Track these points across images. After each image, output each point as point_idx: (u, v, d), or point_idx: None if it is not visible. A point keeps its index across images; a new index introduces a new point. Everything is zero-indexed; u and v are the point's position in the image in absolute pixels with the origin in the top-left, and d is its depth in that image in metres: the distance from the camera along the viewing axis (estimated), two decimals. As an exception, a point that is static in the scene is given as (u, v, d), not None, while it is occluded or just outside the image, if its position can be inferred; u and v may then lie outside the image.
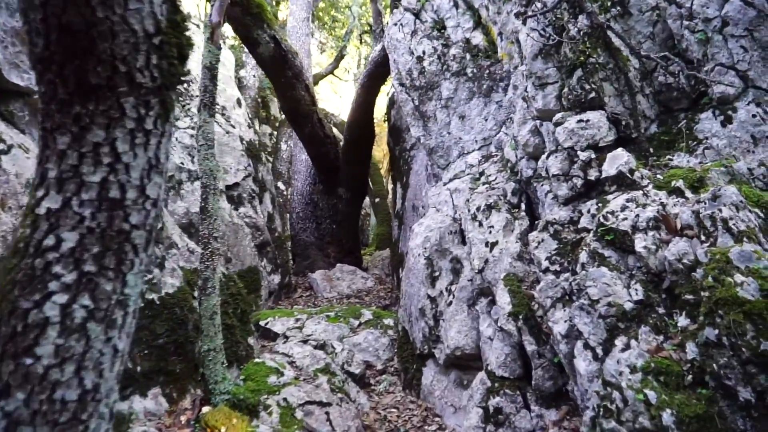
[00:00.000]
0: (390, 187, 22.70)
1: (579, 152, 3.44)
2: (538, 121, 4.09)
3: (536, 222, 4.17)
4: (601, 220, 2.87)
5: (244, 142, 8.12)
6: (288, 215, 10.32)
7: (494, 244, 4.05)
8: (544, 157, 3.77)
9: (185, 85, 7.59)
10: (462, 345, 4.17)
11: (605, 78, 3.58)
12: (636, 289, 2.58)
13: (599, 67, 3.58)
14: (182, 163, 7.09)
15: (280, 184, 12.49)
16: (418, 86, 5.90)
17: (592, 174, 3.36)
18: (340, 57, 14.20)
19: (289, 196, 10.42)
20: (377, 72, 7.88)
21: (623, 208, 2.84)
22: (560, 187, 3.48)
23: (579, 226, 3.22)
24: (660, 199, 2.88)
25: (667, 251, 2.57)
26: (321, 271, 8.94)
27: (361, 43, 16.06)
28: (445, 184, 5.69)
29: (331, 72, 14.67)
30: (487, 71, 5.56)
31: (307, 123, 8.33)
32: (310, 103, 8.16)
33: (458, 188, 5.31)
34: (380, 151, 23.68)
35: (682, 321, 2.38)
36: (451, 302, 4.46)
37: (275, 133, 13.21)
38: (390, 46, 6.22)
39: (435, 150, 5.88)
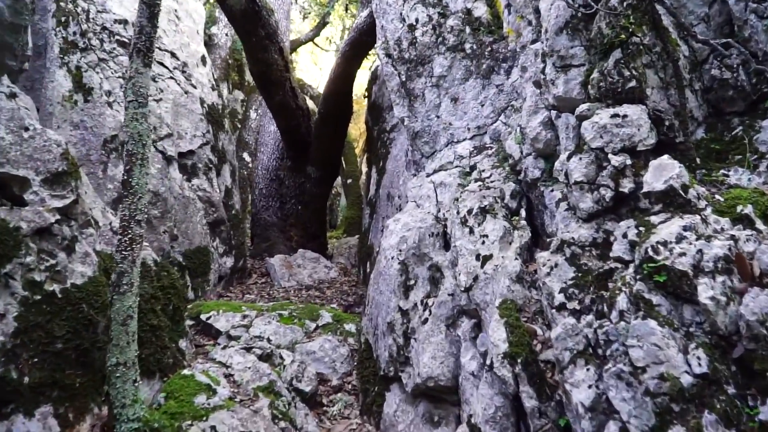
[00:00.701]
0: (364, 169, 21.84)
1: (610, 155, 2.68)
2: (554, 112, 3.33)
3: (542, 237, 3.43)
4: (650, 252, 2.13)
5: (205, 105, 7.20)
6: (250, 191, 9.42)
7: (487, 258, 3.29)
8: (563, 157, 3.01)
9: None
10: (436, 374, 3.43)
11: (650, 64, 2.82)
12: (698, 357, 1.86)
13: (644, 49, 2.81)
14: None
15: (245, 156, 11.55)
16: (406, 59, 5.08)
17: (626, 185, 2.62)
18: (322, 24, 13.19)
19: (253, 170, 9.50)
20: (361, 41, 7.01)
21: (679, 239, 2.10)
22: (583, 198, 2.73)
23: (609, 253, 2.48)
24: (724, 228, 2.16)
25: (742, 306, 1.85)
26: (281, 256, 8.11)
27: (346, 11, 15.06)
28: (428, 175, 4.92)
29: (312, 39, 13.64)
30: (489, 49, 4.76)
31: (278, 90, 7.44)
32: (283, 69, 7.26)
33: (444, 182, 4.54)
34: (357, 130, 22.79)
35: (765, 411, 1.68)
36: (426, 319, 3.70)
37: (247, 99, 12.22)
38: (378, 10, 5.36)
39: (420, 134, 5.09)
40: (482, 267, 3.28)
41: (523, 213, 3.58)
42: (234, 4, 6.31)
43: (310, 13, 15.35)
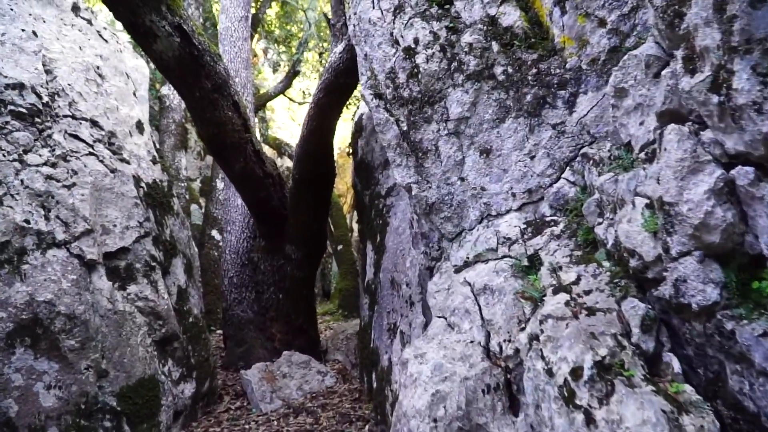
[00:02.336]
0: (355, 227, 20.10)
1: None
2: (743, 170, 1.64)
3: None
4: None
5: (143, 184, 5.49)
6: (220, 280, 7.62)
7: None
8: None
9: (45, 96, 4.97)
10: None
11: None
12: None
13: None
14: (27, 221, 4.43)
15: (214, 233, 9.80)
16: (407, 98, 3.42)
17: None
18: (292, 74, 11.69)
19: (222, 253, 7.73)
20: (338, 84, 5.39)
21: None
22: None
23: None
24: None
25: None
26: (259, 366, 6.27)
27: (320, 58, 13.63)
28: (458, 270, 3.20)
29: (282, 92, 12.13)
30: (533, 71, 3.11)
31: (237, 157, 5.78)
32: (242, 129, 5.62)
33: (490, 286, 2.81)
34: (343, 185, 21.25)
35: None
36: None
37: (212, 167, 10.56)
38: (358, 33, 3.74)
39: (437, 207, 3.40)
40: None
41: (675, 365, 1.84)
42: (163, 50, 4.70)
43: (280, 64, 13.93)
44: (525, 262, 2.84)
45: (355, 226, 20.59)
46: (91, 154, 5.12)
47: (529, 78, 3.11)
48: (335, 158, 6.50)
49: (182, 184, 9.51)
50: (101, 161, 5.15)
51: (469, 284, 2.98)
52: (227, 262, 7.32)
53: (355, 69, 5.11)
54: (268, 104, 15.44)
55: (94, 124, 5.38)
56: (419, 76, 3.39)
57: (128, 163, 5.55)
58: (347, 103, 5.90)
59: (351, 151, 6.32)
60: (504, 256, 2.98)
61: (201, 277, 9.36)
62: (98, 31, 6.09)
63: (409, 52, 3.43)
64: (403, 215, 5.33)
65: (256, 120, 13.73)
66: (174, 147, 9.29)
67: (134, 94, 6.53)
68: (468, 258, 3.20)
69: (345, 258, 12.65)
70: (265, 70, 17.64)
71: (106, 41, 6.15)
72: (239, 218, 7.35)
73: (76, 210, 4.72)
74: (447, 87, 3.32)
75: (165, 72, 5.02)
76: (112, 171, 5.19)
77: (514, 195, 3.13)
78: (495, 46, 3.23)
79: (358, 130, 6.12)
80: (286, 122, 25.15)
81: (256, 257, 7.19)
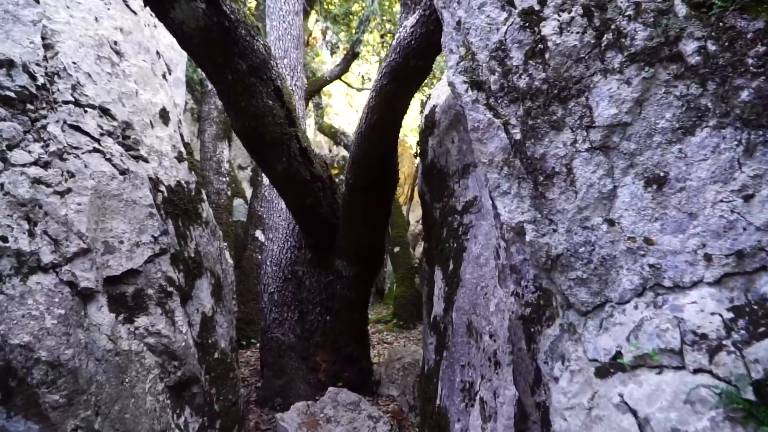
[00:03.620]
0: (412, 220, 18.84)
1: None
2: None
3: None
4: None
5: (162, 188, 4.46)
6: (260, 293, 6.57)
7: None
8: None
9: (41, 77, 3.97)
10: None
11: None
12: None
13: None
14: (4, 238, 3.44)
15: (258, 234, 8.79)
16: (523, 90, 2.18)
17: None
18: (351, 56, 10.50)
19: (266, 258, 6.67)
20: (407, 67, 4.12)
21: None
22: None
23: None
24: None
25: None
26: (299, 407, 5.20)
27: (382, 40, 12.38)
28: (602, 370, 1.96)
29: (339, 77, 10.94)
30: (756, 49, 1.81)
31: (279, 156, 4.66)
32: (285, 122, 4.48)
33: (679, 428, 1.55)
34: (401, 174, 20.05)
35: None
36: None
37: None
38: (447, -6, 2.50)
39: (565, 262, 2.16)
40: None
41: None
42: (185, 19, 3.59)
43: (338, 45, 12.74)
44: (748, 394, 1.57)
45: (412, 218, 19.34)
46: (96, 150, 4.09)
47: (749, 62, 1.81)
48: (397, 163, 5.28)
49: (223, 179, 8.53)
50: (109, 160, 4.11)
51: (633, 413, 1.74)
52: (268, 275, 6.25)
53: (431, 48, 3.88)
54: (325, 89, 14.36)
55: (104, 112, 4.35)
56: (546, 56, 2.13)
57: (146, 161, 4.51)
58: (417, 89, 4.63)
59: (418, 151, 5.09)
60: (698, 370, 1.71)
61: (243, 283, 8.39)
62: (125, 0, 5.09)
63: (531, 18, 2.17)
64: (486, 240, 4.09)
65: (310, 107, 12.67)
66: (216, 137, 8.29)
67: (164, 76, 5.50)
68: (621, 352, 1.95)
69: (402, 261, 11.48)
70: (323, 53, 16.57)
71: (135, 12, 5.13)
72: (283, 224, 6.27)
73: (69, 223, 3.69)
74: (593, 73, 2.06)
75: (188, 48, 3.92)
76: (123, 172, 4.15)
77: (708, 258, 1.85)
78: (681, 7, 1.93)
79: (430, 126, 4.88)
80: (343, 108, 24.08)
81: (300, 271, 6.10)
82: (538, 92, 2.15)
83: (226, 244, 8.48)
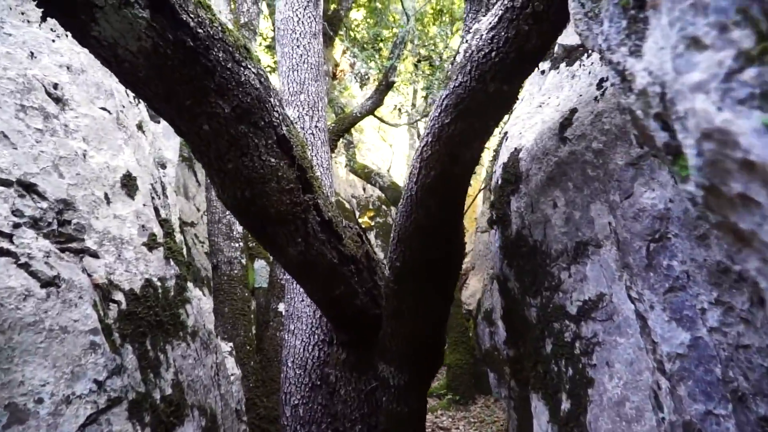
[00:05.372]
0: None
1: None
2: None
3: None
4: None
5: (119, 296, 2.97)
6: (281, 403, 4.97)
7: None
8: None
9: None
10: None
11: None
12: None
13: None
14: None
15: (282, 308, 7.23)
16: None
17: None
18: (385, 86, 9.02)
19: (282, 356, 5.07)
20: (482, 95, 2.52)
21: None
22: None
23: None
24: None
25: None
26: None
27: (416, 68, 10.85)
28: None
29: (372, 111, 9.43)
30: None
31: (292, 236, 3.12)
32: (297, 187, 2.95)
33: None
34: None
35: None
36: None
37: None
38: None
39: None
40: None
41: None
42: (118, 38, 2.13)
43: (368, 76, 11.28)
44: None
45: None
46: (3, 253, 2.63)
47: None
48: (463, 232, 3.65)
49: (236, 245, 7.04)
50: (24, 266, 2.63)
51: None
52: (290, 381, 4.68)
53: (524, 61, 2.32)
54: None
55: (28, 189, 2.92)
56: None
57: (94, 256, 3.05)
58: (494, 126, 3.03)
59: (493, 216, 3.50)
60: None
61: (265, 369, 6.85)
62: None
63: None
64: (630, 373, 2.44)
65: (340, 145, 11.25)
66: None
67: (139, 127, 4.09)
68: None
69: (455, 320, 9.78)
70: (351, 86, 15.23)
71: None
72: (307, 311, 4.72)
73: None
74: None
75: (132, 85, 2.44)
76: (47, 284, 2.66)
77: None
78: None
79: (511, 179, 3.29)
80: (376, 143, 22.69)
81: (333, 376, 4.51)
82: None
83: (243, 328, 6.94)
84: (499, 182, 3.44)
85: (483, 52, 2.50)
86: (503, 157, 3.45)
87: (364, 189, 17.59)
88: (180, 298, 3.45)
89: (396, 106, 12.68)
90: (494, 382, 9.54)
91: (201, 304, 4.24)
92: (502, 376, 9.42)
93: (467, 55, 2.58)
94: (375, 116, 11.05)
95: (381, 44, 10.61)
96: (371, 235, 15.15)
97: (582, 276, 2.82)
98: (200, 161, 2.93)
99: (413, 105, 15.21)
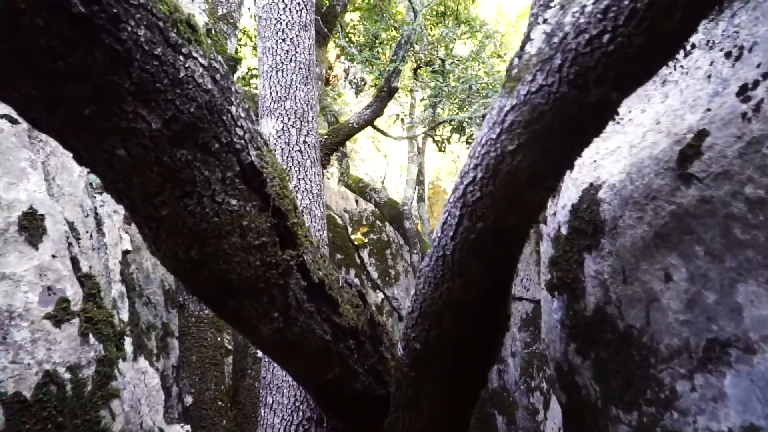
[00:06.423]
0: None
1: None
2: None
3: None
4: None
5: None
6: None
7: None
8: None
9: None
10: None
11: None
12: None
13: None
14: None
15: (261, 354, 6.13)
16: None
17: None
18: (387, 92, 7.97)
19: None
20: (577, 106, 1.62)
21: None
22: None
23: None
24: None
25: None
26: None
27: (415, 75, 9.82)
28: None
29: (371, 121, 8.39)
30: None
31: (266, 310, 2.12)
32: (272, 239, 1.96)
33: None
34: (431, 216, 17.53)
35: None
36: None
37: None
38: None
39: None
40: None
41: None
42: None
43: (364, 81, 10.25)
44: None
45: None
46: None
47: None
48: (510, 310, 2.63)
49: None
50: None
51: None
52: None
53: (651, 58, 1.26)
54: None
55: None
56: None
57: None
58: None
59: (554, 279, 2.47)
60: None
61: (241, 429, 5.76)
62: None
63: None
64: None
65: (333, 162, 10.17)
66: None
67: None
68: None
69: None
70: (346, 92, 14.20)
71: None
72: (289, 380, 3.66)
73: None
74: None
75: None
76: None
77: None
78: None
79: (587, 230, 2.26)
80: (370, 153, 21.62)
81: (322, 469, 3.45)
82: None
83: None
84: (565, 232, 2.41)
85: (587, 36, 1.47)
86: (570, 195, 2.44)
87: (357, 202, 16.52)
88: (102, 394, 2.39)
89: (398, 115, 11.65)
90: (503, 427, 8.50)
91: (146, 381, 3.17)
92: (512, 421, 8.40)
93: (555, 41, 1.56)
94: (374, 127, 10.00)
95: (379, 48, 9.60)
96: (365, 253, 14.02)
97: (717, 393, 1.79)
98: (120, 203, 1.88)
99: (410, 115, 14.19)
